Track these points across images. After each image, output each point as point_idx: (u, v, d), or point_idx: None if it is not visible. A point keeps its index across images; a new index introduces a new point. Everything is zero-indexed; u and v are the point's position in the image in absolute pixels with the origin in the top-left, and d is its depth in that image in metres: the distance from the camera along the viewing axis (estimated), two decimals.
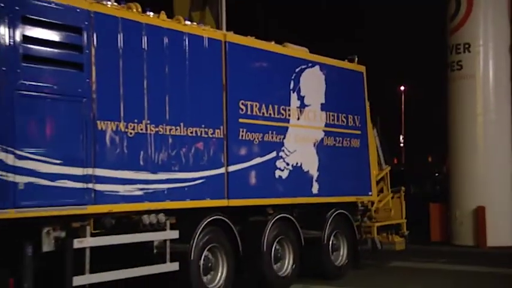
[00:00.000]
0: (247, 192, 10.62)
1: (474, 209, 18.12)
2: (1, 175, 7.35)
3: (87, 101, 8.34)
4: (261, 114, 10.92)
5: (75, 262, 8.13)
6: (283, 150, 11.28)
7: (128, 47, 8.89)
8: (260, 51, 11.12)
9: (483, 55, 18.45)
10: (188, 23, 10.03)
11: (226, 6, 13.34)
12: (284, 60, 11.58)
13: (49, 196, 7.84)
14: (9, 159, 7.45)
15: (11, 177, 7.44)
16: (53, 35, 8.09)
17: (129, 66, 8.90)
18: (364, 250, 13.55)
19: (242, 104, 10.59)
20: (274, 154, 11.10)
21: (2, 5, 7.53)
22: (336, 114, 12.56)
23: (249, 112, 10.68)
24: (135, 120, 8.92)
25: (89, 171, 8.31)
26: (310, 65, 12.06)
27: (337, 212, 12.48)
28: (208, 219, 9.87)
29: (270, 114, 11.09)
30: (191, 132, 9.69)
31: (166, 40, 9.44)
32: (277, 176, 11.14)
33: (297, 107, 11.68)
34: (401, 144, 51.57)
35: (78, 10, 8.34)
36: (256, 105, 10.83)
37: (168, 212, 9.43)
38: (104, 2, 8.99)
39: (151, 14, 9.39)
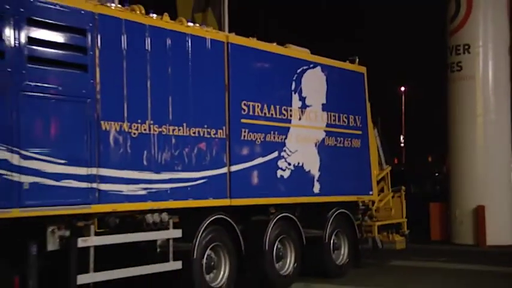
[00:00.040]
0: (250, 191, 10.63)
1: (474, 208, 18.13)
2: (6, 175, 7.37)
3: (91, 101, 8.37)
4: (263, 115, 10.94)
5: (79, 261, 8.15)
6: (284, 150, 11.29)
7: (132, 48, 8.91)
8: (262, 52, 11.14)
9: (483, 56, 18.45)
10: (191, 24, 10.05)
11: (228, 7, 13.36)
12: (286, 61, 11.59)
13: (54, 195, 7.86)
14: (15, 159, 7.47)
15: (16, 176, 7.46)
16: (57, 37, 8.11)
17: (133, 67, 8.92)
18: (365, 249, 13.56)
19: (244, 104, 10.61)
20: (276, 154, 11.11)
21: (8, 7, 7.55)
22: (337, 115, 12.57)
23: (251, 112, 10.70)
24: (139, 121, 8.94)
25: (93, 171, 8.33)
26: (311, 66, 12.07)
27: (338, 212, 12.49)
28: (211, 219, 9.89)
29: (272, 114, 11.11)
30: (194, 133, 9.71)
31: (169, 41, 9.46)
32: (279, 175, 11.15)
33: (299, 108, 11.69)
34: (402, 144, 51.58)
35: (82, 12, 8.37)
36: (258, 106, 10.85)
37: (171, 211, 9.45)
38: (108, 4, 9.03)
39: (155, 15, 9.41)
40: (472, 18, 18.48)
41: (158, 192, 9.15)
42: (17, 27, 7.63)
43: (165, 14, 9.64)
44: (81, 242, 8.19)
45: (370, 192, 13.43)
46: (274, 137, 11.09)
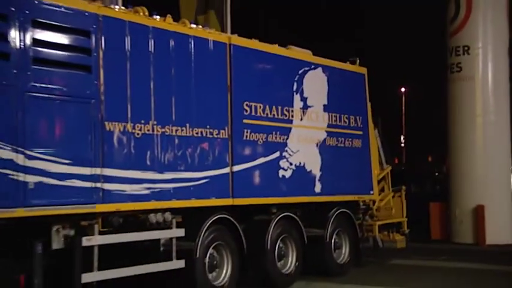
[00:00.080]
0: (252, 191, 10.64)
1: (473, 208, 18.12)
2: (12, 175, 7.39)
3: (95, 102, 8.38)
4: (265, 115, 10.95)
5: (83, 259, 8.16)
6: (286, 151, 11.30)
7: (135, 49, 8.92)
8: (264, 54, 11.14)
9: (482, 57, 18.44)
10: (194, 26, 10.05)
11: (231, 9, 13.37)
12: (287, 62, 11.59)
13: (58, 195, 7.88)
14: (20, 159, 7.49)
15: (21, 176, 7.48)
16: (62, 38, 8.12)
17: (136, 68, 8.93)
18: (366, 248, 13.58)
19: (246, 105, 10.62)
20: (277, 154, 11.12)
21: (13, 9, 7.57)
22: (338, 115, 12.57)
23: (253, 113, 10.71)
24: (142, 121, 8.95)
25: (97, 171, 8.34)
26: (313, 67, 12.08)
27: (339, 211, 12.50)
28: (214, 218, 9.90)
29: (274, 115, 11.12)
30: (197, 133, 9.72)
31: (172, 43, 9.47)
32: (280, 175, 11.16)
33: (300, 108, 11.70)
34: (402, 145, 51.55)
35: (86, 14, 8.38)
36: (260, 106, 10.85)
37: (174, 211, 9.46)
38: (112, 6, 9.05)
39: (158, 17, 9.42)
40: (472, 19, 18.47)
41: (161, 192, 9.16)
42: (22, 29, 7.65)
43: (168, 15, 9.65)
44: (86, 241, 8.20)
45: (371, 192, 13.43)
46: (276, 137, 11.10)
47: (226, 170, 10.16)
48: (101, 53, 8.50)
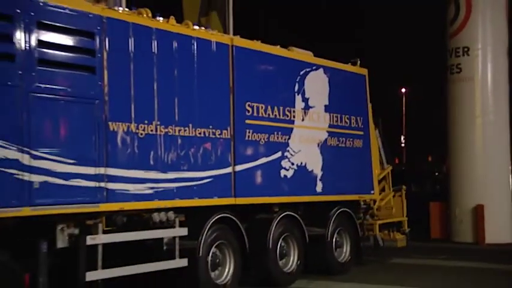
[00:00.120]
0: (254, 190, 10.65)
1: (473, 207, 18.12)
2: (17, 174, 7.41)
3: (99, 103, 8.39)
4: (267, 116, 10.95)
5: (88, 258, 8.18)
6: (288, 151, 11.30)
7: (139, 50, 8.94)
8: (266, 55, 11.15)
9: (481, 58, 18.44)
10: (196, 27, 10.06)
11: (233, 10, 13.36)
12: (289, 63, 11.60)
13: (63, 194, 7.89)
14: (25, 159, 7.50)
15: (26, 176, 7.49)
16: (66, 40, 8.14)
17: (140, 69, 8.95)
18: (367, 247, 13.57)
19: (248, 105, 10.62)
20: (279, 154, 11.13)
21: (18, 10, 7.59)
22: (339, 116, 12.58)
23: (255, 113, 10.72)
24: (146, 122, 8.96)
25: (101, 170, 8.36)
26: (314, 68, 12.08)
27: (340, 210, 12.50)
28: (216, 217, 9.91)
29: (276, 115, 11.13)
30: (199, 133, 9.73)
31: (175, 44, 9.48)
32: (282, 175, 11.17)
33: (302, 109, 11.70)
34: (403, 145, 51.52)
35: (90, 16, 8.39)
36: (262, 107, 10.86)
37: (177, 210, 9.47)
38: (116, 8, 9.07)
39: (161, 19, 9.43)
40: (471, 21, 18.47)
41: (165, 191, 9.17)
42: (27, 31, 7.66)
43: (172, 17, 9.66)
44: (90, 240, 8.22)
45: (372, 192, 13.43)
46: (277, 138, 11.11)
47: (229, 169, 10.17)
48: (105, 54, 8.51)
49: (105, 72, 8.49)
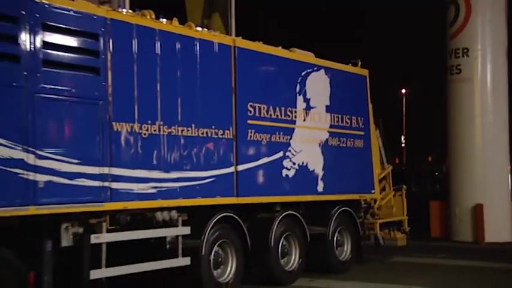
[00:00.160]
0: (256, 190, 10.66)
1: (473, 207, 18.11)
2: (22, 174, 7.42)
3: (103, 103, 8.41)
4: (269, 116, 10.96)
5: (92, 256, 8.20)
6: (289, 150, 11.31)
7: (142, 52, 8.95)
8: (268, 56, 11.16)
9: (481, 59, 18.44)
10: (199, 29, 10.07)
11: (235, 11, 13.38)
12: (291, 64, 11.61)
13: (68, 194, 7.91)
14: (30, 159, 7.51)
15: (31, 175, 7.50)
16: (71, 41, 8.15)
17: (143, 70, 8.96)
18: (367, 246, 13.57)
19: (250, 106, 10.63)
20: (281, 154, 11.13)
21: (24, 12, 7.60)
22: (340, 116, 12.58)
23: (257, 114, 10.72)
24: (149, 122, 8.98)
25: (105, 170, 8.37)
26: (315, 68, 12.09)
27: (341, 209, 12.51)
28: (219, 216, 9.92)
29: (277, 115, 11.13)
30: (202, 133, 9.74)
31: (178, 45, 9.49)
32: (284, 174, 11.17)
33: (303, 109, 11.71)
34: (403, 145, 51.51)
35: (95, 17, 8.41)
36: (264, 107, 10.87)
37: (180, 209, 9.48)
38: (120, 10, 9.09)
39: (164, 20, 9.44)
40: (471, 23, 18.47)
41: (168, 190, 9.18)
42: (33, 32, 7.68)
43: (175, 19, 9.67)
44: (94, 239, 8.24)
45: (372, 191, 13.43)
46: (279, 138, 11.12)
47: (231, 169, 10.18)
48: (109, 55, 8.52)
49: (109, 73, 8.50)
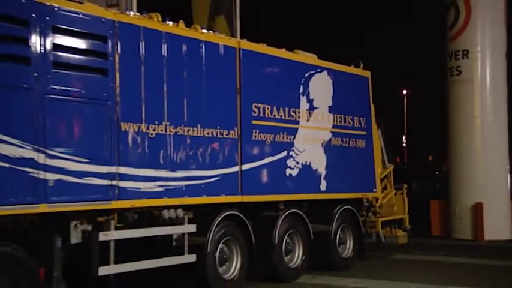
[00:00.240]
0: (260, 189, 10.68)
1: (472, 205, 18.12)
2: (33, 173, 7.46)
3: (111, 104, 8.44)
4: (273, 116, 10.98)
5: (100, 253, 8.23)
6: (293, 150, 11.33)
7: (149, 54, 8.97)
8: (272, 58, 11.18)
9: (481, 61, 18.43)
10: (205, 31, 10.10)
11: (240, 14, 13.40)
12: (294, 65, 11.63)
13: (77, 192, 7.94)
14: (41, 158, 7.55)
15: (42, 174, 7.54)
16: (80, 43, 8.18)
17: (150, 71, 8.99)
18: (369, 243, 13.58)
19: (255, 106, 10.66)
20: (285, 153, 11.15)
21: (34, 15, 7.64)
22: (342, 116, 12.60)
23: (261, 114, 10.75)
24: (156, 122, 9.01)
25: (113, 169, 8.40)
26: (318, 70, 12.10)
27: (343, 208, 12.52)
28: (224, 214, 9.95)
29: (281, 116, 11.16)
30: (207, 133, 9.77)
31: (184, 47, 9.51)
32: (287, 174, 11.19)
33: (306, 110, 11.73)
34: (404, 144, 51.49)
35: (103, 20, 8.44)
36: (268, 108, 10.89)
37: (186, 208, 9.50)
38: (127, 12, 9.12)
39: (171, 23, 9.46)
40: (471, 25, 18.46)
41: (174, 189, 9.21)
42: (43, 35, 7.71)
43: (181, 21, 9.69)
44: (102, 236, 8.26)
45: (374, 190, 13.44)
46: (283, 138, 11.14)
47: (236, 168, 10.21)
48: (117, 57, 8.55)
49: (117, 74, 8.53)
